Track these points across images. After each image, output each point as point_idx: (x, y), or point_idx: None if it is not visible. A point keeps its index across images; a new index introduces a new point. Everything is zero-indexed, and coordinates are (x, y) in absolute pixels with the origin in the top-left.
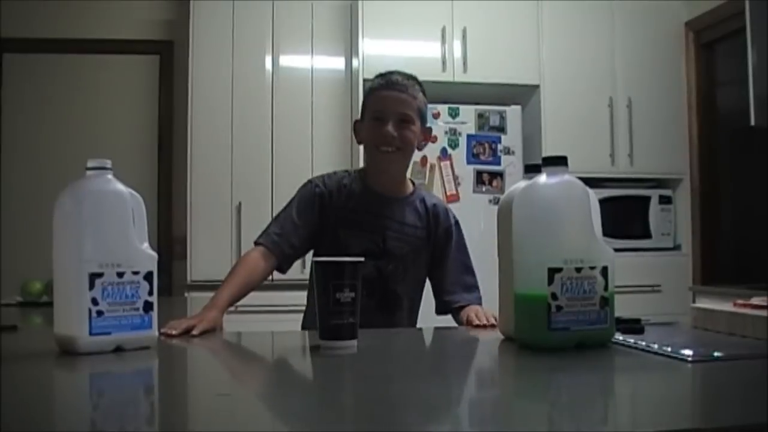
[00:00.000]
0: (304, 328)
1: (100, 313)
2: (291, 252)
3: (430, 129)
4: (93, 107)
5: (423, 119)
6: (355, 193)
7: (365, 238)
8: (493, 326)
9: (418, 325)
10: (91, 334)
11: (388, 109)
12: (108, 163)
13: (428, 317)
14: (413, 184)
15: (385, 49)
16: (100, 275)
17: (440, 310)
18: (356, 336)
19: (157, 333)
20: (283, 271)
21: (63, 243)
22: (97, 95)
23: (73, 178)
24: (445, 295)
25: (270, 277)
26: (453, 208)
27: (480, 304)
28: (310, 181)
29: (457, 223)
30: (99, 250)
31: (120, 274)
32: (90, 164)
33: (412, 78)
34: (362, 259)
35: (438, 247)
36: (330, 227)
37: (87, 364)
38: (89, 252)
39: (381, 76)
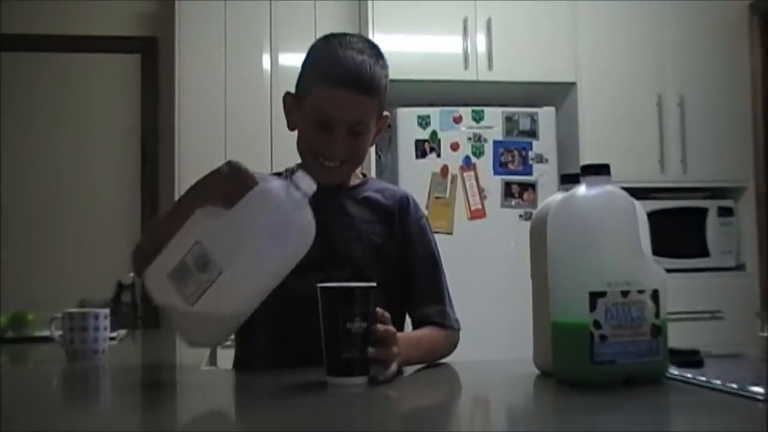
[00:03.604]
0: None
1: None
2: None
3: (386, 117)
4: (67, 112)
5: (381, 110)
6: None
7: None
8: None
9: None
10: None
11: (340, 116)
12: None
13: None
14: (364, 175)
15: (400, 45)
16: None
17: (415, 325)
18: (368, 371)
19: None
20: None
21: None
22: (72, 98)
23: (51, 187)
24: (413, 306)
25: None
26: (479, 225)
27: (444, 318)
28: None
29: (425, 216)
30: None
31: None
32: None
33: (373, 56)
34: (374, 284)
35: (407, 244)
36: None
37: None
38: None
39: (332, 56)
